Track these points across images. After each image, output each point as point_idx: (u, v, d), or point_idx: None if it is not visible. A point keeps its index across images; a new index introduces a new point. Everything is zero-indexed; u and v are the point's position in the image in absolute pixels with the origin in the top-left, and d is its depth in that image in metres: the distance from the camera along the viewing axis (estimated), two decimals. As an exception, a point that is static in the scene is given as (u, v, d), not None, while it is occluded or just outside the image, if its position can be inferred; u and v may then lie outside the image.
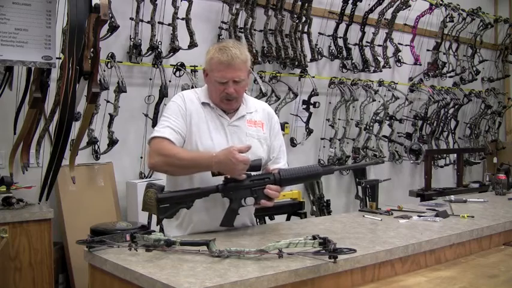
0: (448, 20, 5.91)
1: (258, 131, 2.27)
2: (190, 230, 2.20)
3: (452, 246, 2.18)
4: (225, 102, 2.19)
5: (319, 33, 5.05)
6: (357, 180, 5.30)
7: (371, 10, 5.21)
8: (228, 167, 2.03)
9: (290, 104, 4.75)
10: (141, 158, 3.98)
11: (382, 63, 5.35)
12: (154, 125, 3.76)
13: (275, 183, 2.08)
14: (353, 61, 5.22)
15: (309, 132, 4.90)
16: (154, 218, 2.84)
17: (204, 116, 2.20)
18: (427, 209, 2.78)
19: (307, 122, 4.89)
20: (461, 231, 2.24)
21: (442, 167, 6.13)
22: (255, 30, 4.43)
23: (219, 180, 2.09)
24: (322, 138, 5.17)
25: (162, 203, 2.03)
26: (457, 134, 6.41)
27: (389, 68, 5.51)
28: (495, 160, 6.72)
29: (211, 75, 2.17)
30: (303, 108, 4.88)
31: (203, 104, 2.23)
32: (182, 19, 4.04)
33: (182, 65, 4.07)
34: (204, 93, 2.26)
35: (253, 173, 2.09)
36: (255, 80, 4.34)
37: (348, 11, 5.09)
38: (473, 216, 2.53)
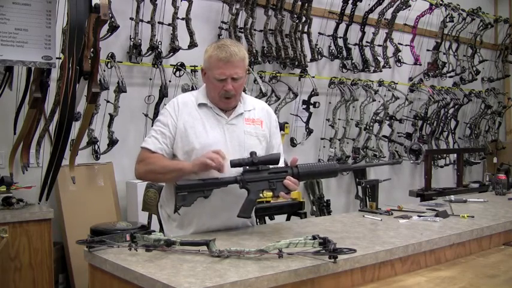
0: (448, 20, 5.91)
1: (257, 129, 2.28)
2: (191, 230, 2.20)
3: (452, 246, 2.18)
4: (224, 100, 2.20)
5: (319, 33, 5.05)
6: (357, 180, 5.30)
7: (371, 10, 5.21)
8: (199, 162, 2.05)
9: (290, 104, 4.75)
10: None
11: (382, 63, 5.35)
12: (154, 125, 3.76)
13: (293, 176, 2.08)
14: (353, 61, 5.21)
15: (309, 132, 4.90)
16: (154, 218, 2.84)
17: (200, 117, 2.22)
18: (427, 209, 2.78)
19: (307, 122, 4.89)
20: (461, 231, 2.24)
21: (442, 167, 6.13)
22: (255, 30, 4.43)
23: (213, 194, 2.10)
24: (322, 138, 5.17)
25: (180, 191, 2.03)
26: (457, 134, 6.42)
27: (390, 68, 5.51)
28: (495, 160, 6.72)
29: (210, 73, 2.18)
30: (303, 108, 4.89)
31: (200, 105, 2.24)
32: (182, 19, 4.04)
33: (182, 65, 4.07)
34: (202, 93, 2.28)
35: (271, 166, 2.10)
36: (255, 80, 4.34)
37: (348, 11, 5.09)
38: (473, 216, 2.53)
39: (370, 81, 5.40)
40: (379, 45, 5.40)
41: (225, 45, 2.16)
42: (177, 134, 2.19)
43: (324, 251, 1.69)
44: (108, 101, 3.78)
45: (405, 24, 5.74)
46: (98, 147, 3.79)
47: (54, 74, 3.28)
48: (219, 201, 2.16)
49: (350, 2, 5.05)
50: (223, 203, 2.17)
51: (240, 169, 2.09)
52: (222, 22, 4.39)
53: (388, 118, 5.45)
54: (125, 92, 3.78)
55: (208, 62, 2.19)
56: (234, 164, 2.07)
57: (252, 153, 2.09)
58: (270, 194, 2.13)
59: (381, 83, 5.48)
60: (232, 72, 2.14)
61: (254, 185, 2.07)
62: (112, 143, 3.80)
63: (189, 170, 2.09)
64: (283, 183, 2.06)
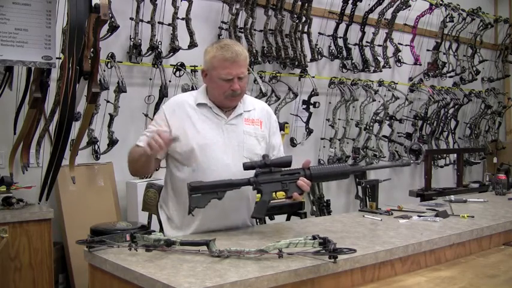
0: (448, 20, 5.91)
1: (256, 129, 2.28)
2: (191, 230, 2.20)
3: (452, 246, 2.18)
4: (230, 99, 2.20)
5: (319, 33, 5.05)
6: (357, 180, 5.30)
7: (371, 10, 5.21)
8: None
9: (290, 104, 4.75)
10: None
11: (382, 63, 5.35)
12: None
13: (305, 178, 2.08)
14: (353, 61, 5.21)
15: (309, 132, 4.90)
16: (154, 218, 2.84)
17: (198, 117, 2.22)
18: (427, 209, 2.78)
19: (307, 122, 4.89)
20: (461, 231, 2.24)
21: (442, 167, 6.13)
22: (255, 30, 4.43)
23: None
24: (322, 138, 5.17)
25: (194, 192, 2.03)
26: (457, 134, 6.42)
27: (389, 68, 5.51)
28: (495, 160, 6.72)
29: (215, 73, 2.17)
30: (303, 108, 4.89)
31: (199, 105, 2.24)
32: (182, 19, 4.04)
33: (182, 65, 4.07)
34: (202, 93, 2.27)
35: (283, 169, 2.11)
36: (255, 80, 4.34)
37: (348, 11, 5.09)
38: (473, 216, 2.53)
39: (370, 81, 5.40)
40: (379, 45, 5.40)
41: (228, 45, 2.17)
42: (174, 135, 2.19)
43: (324, 251, 1.69)
44: (108, 101, 3.78)
45: (405, 24, 5.74)
46: (98, 147, 3.79)
47: (54, 74, 3.28)
48: (219, 202, 2.16)
49: (350, 2, 5.05)
50: (224, 203, 2.17)
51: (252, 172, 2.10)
52: (222, 22, 4.39)
53: (388, 118, 5.45)
54: (125, 92, 3.78)
55: (211, 63, 2.18)
56: (246, 167, 2.07)
57: (265, 156, 2.10)
58: (282, 194, 2.13)
59: (381, 83, 5.48)
60: (238, 72, 2.15)
61: (267, 186, 2.07)
62: (112, 143, 3.80)
63: (145, 149, 2.07)
64: (297, 183, 2.06)
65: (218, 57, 2.15)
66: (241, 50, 2.18)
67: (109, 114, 3.79)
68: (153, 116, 3.93)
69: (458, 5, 6.04)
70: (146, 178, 3.90)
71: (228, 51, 2.14)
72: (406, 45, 5.71)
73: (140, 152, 2.12)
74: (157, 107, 3.95)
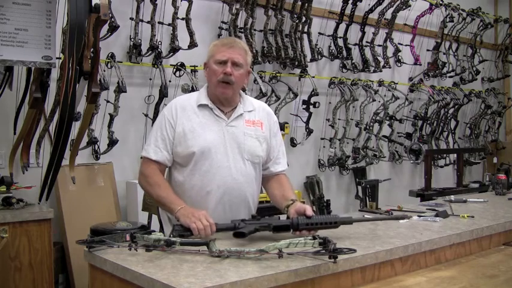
0: (448, 20, 5.91)
1: (257, 131, 2.27)
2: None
3: (452, 246, 2.18)
4: (222, 86, 2.19)
5: (319, 33, 5.05)
6: (357, 180, 5.29)
7: (371, 10, 5.21)
8: (187, 217, 1.97)
9: (290, 104, 4.75)
10: (141, 158, 3.98)
11: (382, 63, 5.35)
12: (154, 125, 3.76)
13: (293, 228, 1.97)
14: (353, 61, 5.21)
15: (309, 132, 4.90)
16: (154, 218, 2.84)
17: (199, 119, 2.21)
18: (427, 209, 2.79)
19: (307, 122, 4.89)
20: (461, 231, 2.24)
21: (442, 167, 6.13)
22: (255, 30, 4.43)
23: (212, 197, 2.16)
24: (322, 138, 5.17)
25: (178, 225, 1.99)
26: (457, 134, 6.42)
27: (389, 68, 5.51)
28: (495, 160, 6.72)
29: (212, 59, 2.21)
30: (303, 108, 4.89)
31: (200, 106, 2.23)
32: (182, 19, 4.04)
33: (182, 65, 4.07)
34: (203, 94, 2.27)
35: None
36: (255, 80, 4.34)
37: (348, 11, 5.09)
38: (473, 216, 2.53)
39: (370, 81, 5.40)
40: (379, 45, 5.40)
41: (229, 37, 2.29)
42: (176, 139, 2.19)
43: (324, 251, 1.69)
44: (108, 101, 3.78)
45: (405, 24, 5.74)
46: (98, 147, 3.79)
47: (54, 74, 3.28)
48: (219, 201, 2.16)
49: (350, 2, 5.05)
50: (224, 203, 2.17)
51: None
52: (222, 22, 4.39)
53: (388, 118, 5.45)
54: (125, 92, 3.77)
55: (211, 51, 2.24)
56: (218, 229, 1.97)
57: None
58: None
59: (381, 83, 5.48)
60: (233, 56, 2.17)
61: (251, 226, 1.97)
62: (112, 143, 3.80)
63: (175, 216, 2.05)
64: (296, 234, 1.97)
65: (218, 44, 2.24)
66: (241, 41, 2.28)
67: (109, 114, 3.79)
68: (153, 116, 3.94)
69: (458, 5, 6.04)
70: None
71: (226, 39, 2.30)
72: (406, 45, 5.71)
73: (168, 206, 2.12)
74: (157, 107, 3.95)
